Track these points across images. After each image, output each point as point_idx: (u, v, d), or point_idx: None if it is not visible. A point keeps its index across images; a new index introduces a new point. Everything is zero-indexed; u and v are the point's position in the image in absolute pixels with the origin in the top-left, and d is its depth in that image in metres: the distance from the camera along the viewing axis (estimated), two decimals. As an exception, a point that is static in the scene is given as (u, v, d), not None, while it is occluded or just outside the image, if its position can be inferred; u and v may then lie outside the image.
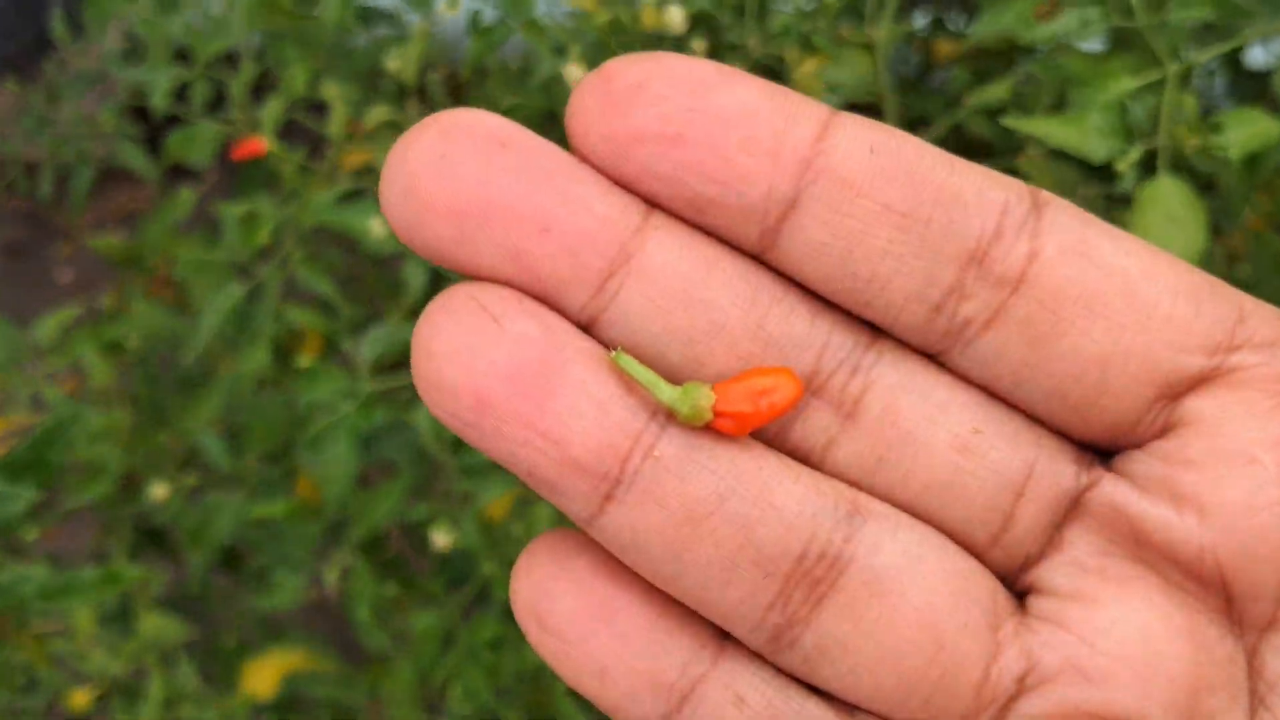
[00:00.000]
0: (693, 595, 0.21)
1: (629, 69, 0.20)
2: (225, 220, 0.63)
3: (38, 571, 0.46)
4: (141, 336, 0.76)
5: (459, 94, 0.78)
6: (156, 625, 0.64)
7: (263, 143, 0.61)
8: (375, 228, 0.55)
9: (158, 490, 0.67)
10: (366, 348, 0.55)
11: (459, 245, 0.20)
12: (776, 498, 0.20)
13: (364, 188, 0.63)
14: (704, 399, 0.20)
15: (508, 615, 0.66)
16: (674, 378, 0.21)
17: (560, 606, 0.21)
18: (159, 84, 0.68)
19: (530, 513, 0.56)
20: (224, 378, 0.71)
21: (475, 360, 0.19)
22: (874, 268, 0.20)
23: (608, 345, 0.20)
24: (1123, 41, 0.59)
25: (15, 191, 1.13)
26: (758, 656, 0.21)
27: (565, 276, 0.20)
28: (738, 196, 0.20)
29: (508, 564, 0.62)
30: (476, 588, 0.62)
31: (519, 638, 0.66)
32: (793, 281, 0.21)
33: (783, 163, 0.20)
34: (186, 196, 0.86)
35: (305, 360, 0.81)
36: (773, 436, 0.21)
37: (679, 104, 0.20)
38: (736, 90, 0.20)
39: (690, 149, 0.20)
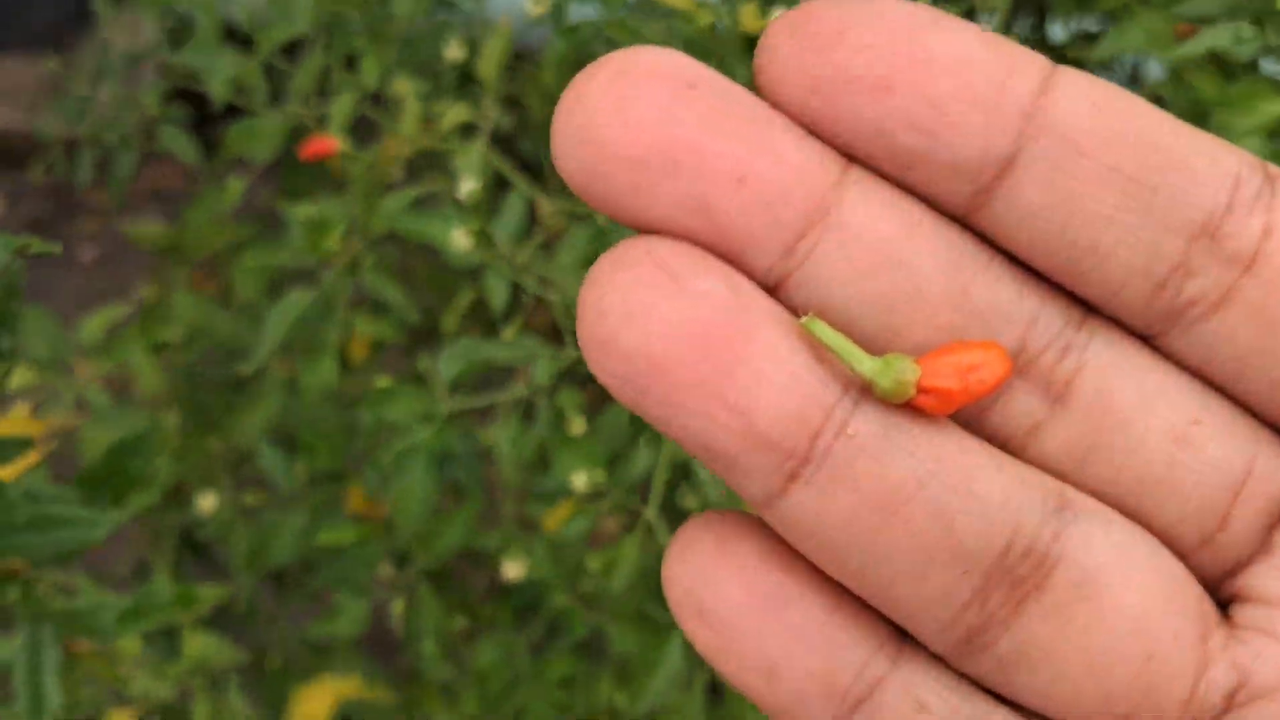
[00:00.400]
0: (877, 590, 0.19)
1: (832, 8, 0.18)
2: (290, 222, 0.59)
3: (115, 599, 0.43)
4: (186, 334, 0.73)
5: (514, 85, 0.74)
6: (204, 646, 0.61)
7: (333, 141, 0.57)
8: (458, 239, 0.51)
9: (205, 501, 0.63)
10: (445, 365, 0.52)
11: (637, 195, 0.18)
12: (979, 486, 0.18)
13: (435, 191, 0.59)
14: (908, 372, 0.18)
15: (579, 650, 0.63)
16: (866, 348, 0.18)
17: (724, 595, 0.19)
18: (218, 71, 0.64)
19: (615, 553, 0.52)
20: (275, 381, 0.68)
21: (651, 321, 0.17)
22: (1096, 236, 0.18)
23: (796, 311, 0.18)
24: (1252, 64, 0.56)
25: (52, 173, 1.09)
26: (938, 660, 0.19)
27: (756, 233, 0.18)
28: (950, 152, 0.18)
29: (581, 597, 0.59)
30: (547, 620, 0.59)
31: (590, 676, 0.62)
32: (998, 249, 0.19)
33: (1002, 116, 0.18)
34: (235, 186, 0.83)
35: (355, 362, 0.77)
36: (969, 419, 0.19)
37: (888, 48, 0.18)
38: (952, 35, 0.18)
39: (899, 97, 0.18)
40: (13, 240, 0.38)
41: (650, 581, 0.56)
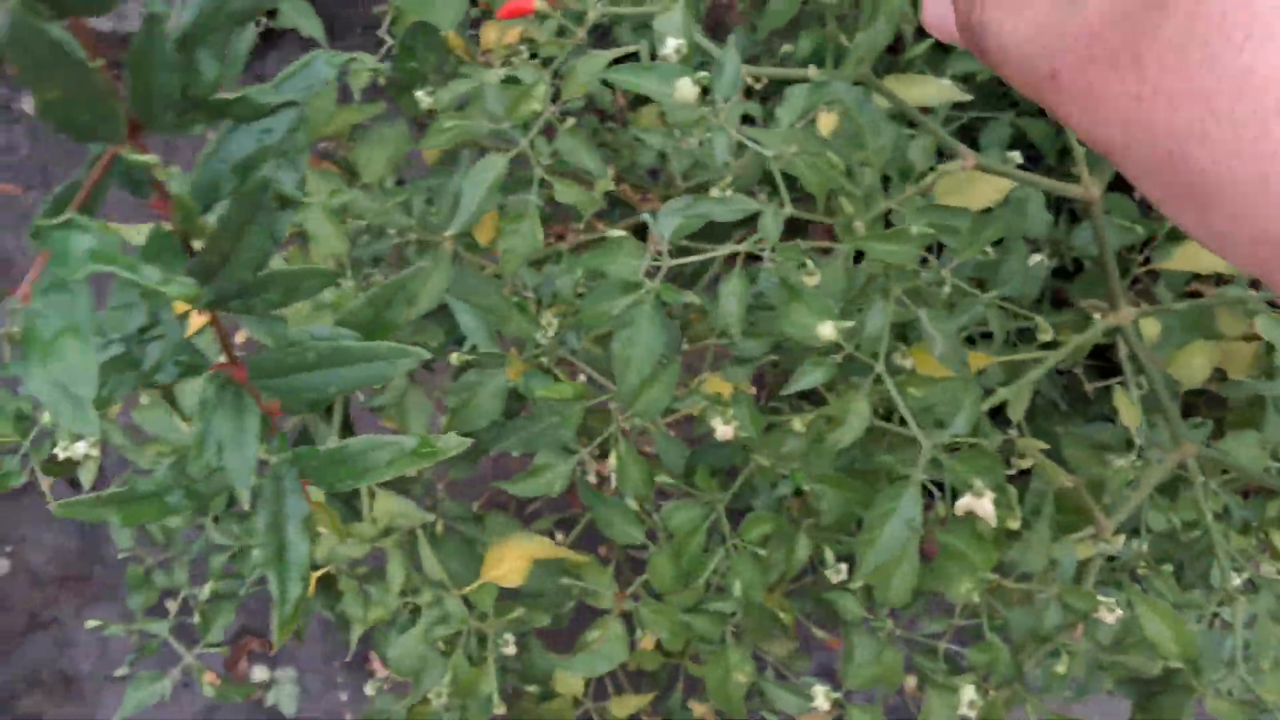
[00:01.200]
0: None
1: None
2: (484, 89, 0.58)
3: (385, 439, 0.43)
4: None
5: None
6: (392, 507, 0.61)
7: (533, 2, 0.55)
8: (684, 89, 0.50)
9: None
10: (663, 220, 0.51)
11: None
12: None
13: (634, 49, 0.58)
14: None
15: (777, 509, 0.63)
16: None
17: None
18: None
19: (845, 405, 0.52)
20: (445, 253, 0.67)
21: None
22: None
23: None
24: None
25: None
26: None
27: None
28: None
29: (781, 458, 0.59)
30: (745, 481, 0.59)
31: (789, 535, 0.63)
32: None
33: None
34: (366, 62, 0.81)
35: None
36: None
37: None
38: None
39: None
40: (337, 56, 0.37)
41: (866, 441, 0.56)
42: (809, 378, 0.52)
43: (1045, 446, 0.75)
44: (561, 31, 0.57)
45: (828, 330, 0.49)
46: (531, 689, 0.68)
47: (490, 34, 0.87)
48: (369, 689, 0.74)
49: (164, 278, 0.32)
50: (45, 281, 0.34)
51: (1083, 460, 0.87)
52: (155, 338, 0.38)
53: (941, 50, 1.00)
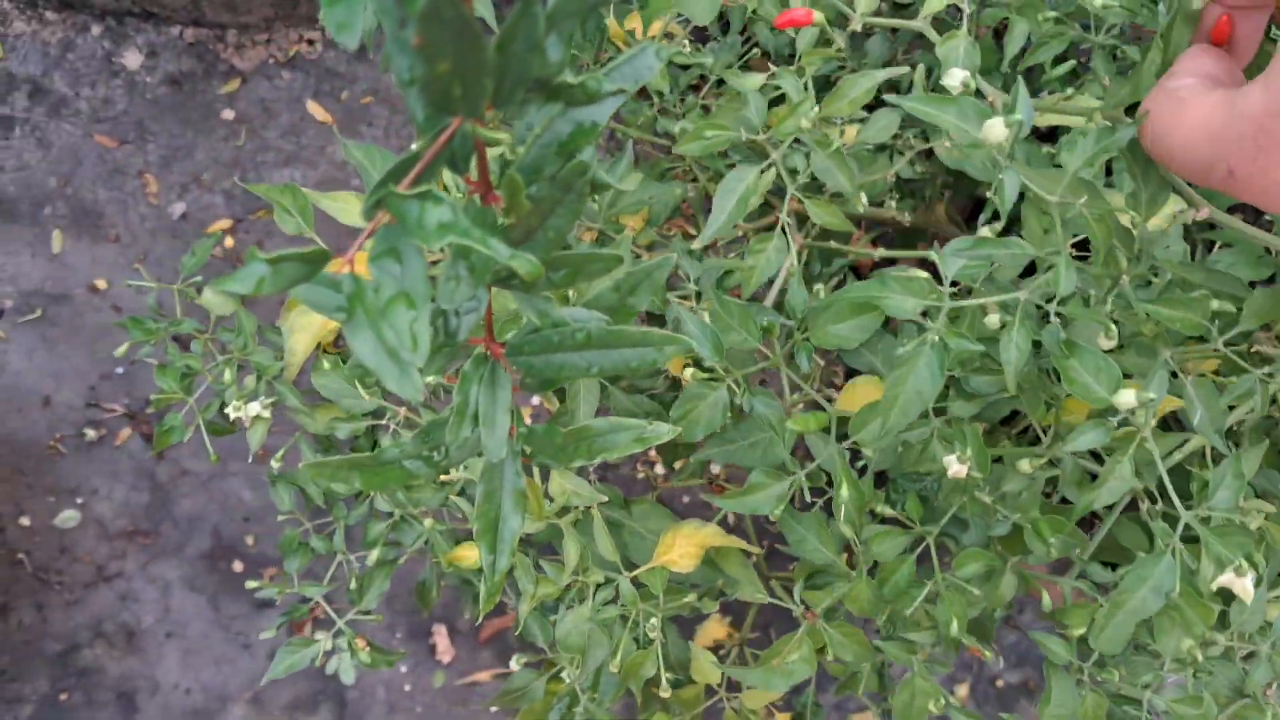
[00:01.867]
0: None
1: None
2: (743, 94, 0.57)
3: (630, 421, 0.44)
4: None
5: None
6: (567, 486, 0.62)
7: (810, 13, 0.55)
8: (993, 130, 0.49)
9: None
10: (948, 259, 0.51)
11: None
12: None
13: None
14: None
15: (985, 545, 0.63)
16: None
17: None
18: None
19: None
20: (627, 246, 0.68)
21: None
22: None
23: None
24: None
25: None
26: None
27: None
28: None
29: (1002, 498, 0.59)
30: (950, 520, 0.60)
31: (997, 573, 0.63)
32: None
33: None
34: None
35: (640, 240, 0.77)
36: None
37: None
38: None
39: None
40: (665, 49, 0.38)
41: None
42: (1088, 438, 0.52)
43: (1273, 510, 0.74)
44: (827, 41, 0.57)
45: (1129, 399, 0.49)
46: (668, 675, 0.69)
47: (633, 23, 0.88)
48: (514, 663, 0.75)
49: (513, 254, 0.33)
50: (380, 248, 0.35)
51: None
52: (471, 311, 0.39)
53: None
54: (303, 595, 0.81)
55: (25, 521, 1.56)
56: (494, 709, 1.62)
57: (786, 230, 0.58)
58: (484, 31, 0.30)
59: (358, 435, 0.70)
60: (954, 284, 0.53)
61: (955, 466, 0.55)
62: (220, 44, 1.69)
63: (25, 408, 1.58)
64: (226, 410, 0.68)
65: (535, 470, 0.66)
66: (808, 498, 0.60)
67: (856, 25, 0.55)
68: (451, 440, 0.44)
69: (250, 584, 0.84)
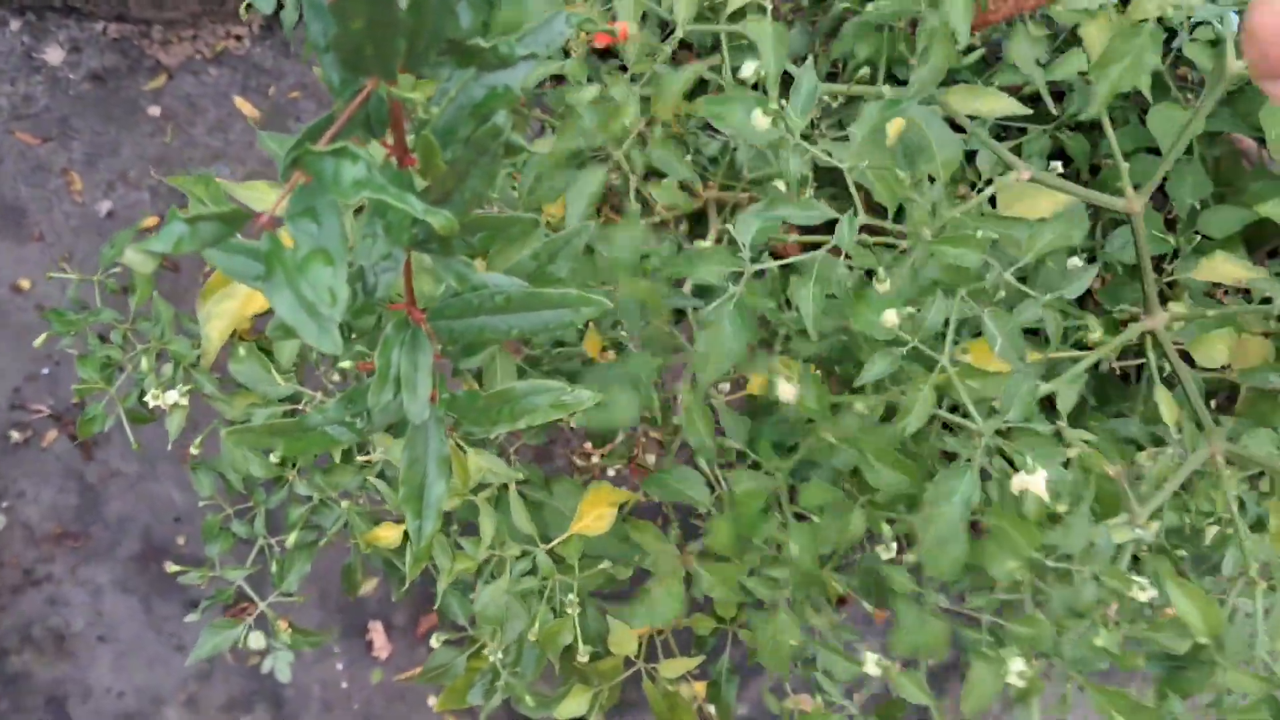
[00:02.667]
0: None
1: None
2: (574, 105, 0.60)
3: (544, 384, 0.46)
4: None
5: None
6: (483, 463, 0.63)
7: (626, 28, 0.58)
8: (758, 120, 0.54)
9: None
10: (742, 227, 0.54)
11: None
12: None
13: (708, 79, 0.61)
14: None
15: (833, 483, 0.67)
16: None
17: None
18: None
19: (913, 393, 0.56)
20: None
21: None
22: None
23: None
24: None
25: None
26: None
27: None
28: None
29: (844, 439, 0.63)
30: (805, 452, 0.62)
31: (844, 506, 0.66)
32: None
33: None
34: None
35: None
36: None
37: None
38: None
39: None
40: (575, 16, 0.39)
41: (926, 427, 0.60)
42: (877, 368, 0.56)
43: (1090, 437, 0.79)
44: (651, 51, 0.61)
45: (891, 318, 0.53)
46: (586, 647, 0.70)
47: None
48: (434, 641, 0.76)
49: (427, 209, 0.34)
50: (297, 208, 0.36)
51: (1110, 453, 0.92)
52: (388, 270, 0.40)
53: (984, 64, 1.04)
54: (224, 578, 0.81)
55: (-53, 526, 1.52)
56: (432, 704, 1.62)
57: (637, 216, 0.62)
58: (393, -7, 0.31)
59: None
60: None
61: (785, 387, 0.59)
62: (145, 39, 1.67)
63: (-54, 410, 1.55)
64: (145, 399, 0.68)
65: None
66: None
67: (680, 33, 0.59)
68: (374, 404, 0.45)
69: (171, 568, 0.84)
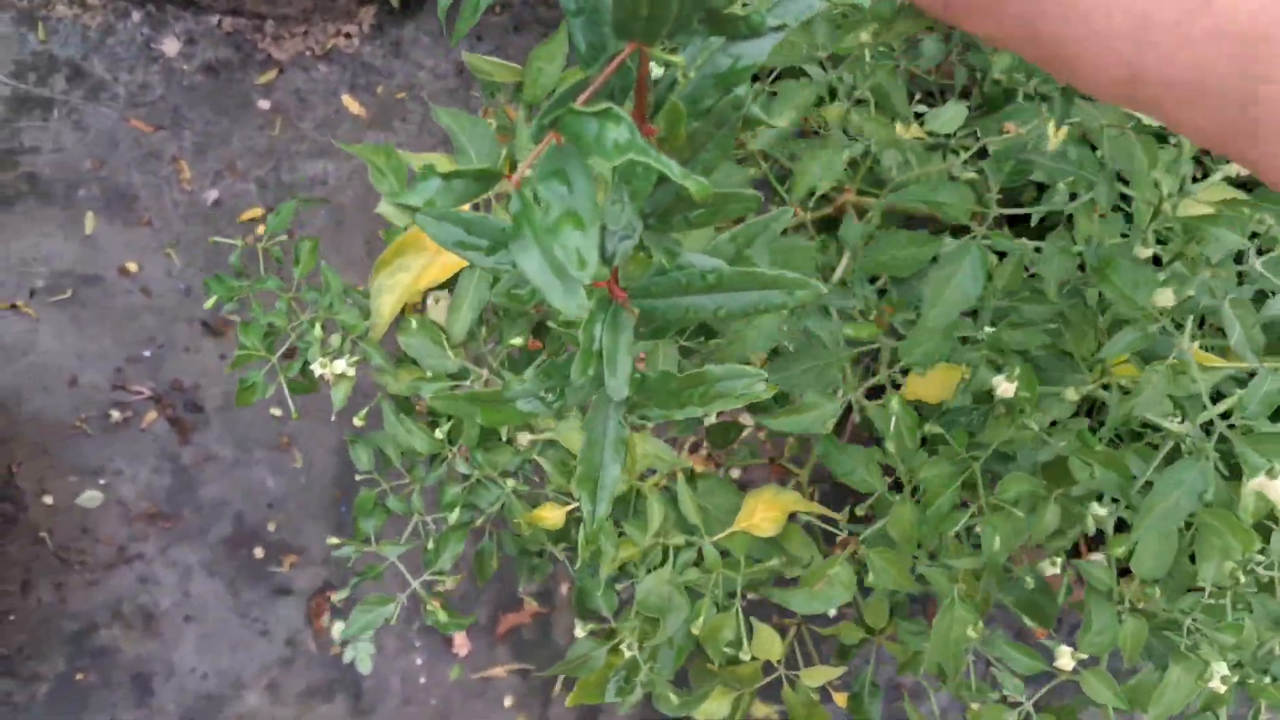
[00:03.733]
0: None
1: None
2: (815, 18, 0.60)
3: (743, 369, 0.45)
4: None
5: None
6: (650, 449, 0.63)
7: None
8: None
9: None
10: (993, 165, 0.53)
11: None
12: None
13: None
14: None
15: (1033, 473, 0.65)
16: None
17: None
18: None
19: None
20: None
21: None
22: None
23: None
24: None
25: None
26: None
27: None
28: None
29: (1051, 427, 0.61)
30: (994, 456, 0.61)
31: (1039, 500, 0.64)
32: None
33: None
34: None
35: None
36: None
37: None
38: None
39: None
40: None
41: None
42: (1127, 340, 0.54)
43: None
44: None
45: (1166, 298, 0.51)
46: (728, 649, 0.69)
47: None
48: (578, 630, 0.75)
49: (684, 173, 0.33)
50: (547, 169, 0.36)
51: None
52: (625, 239, 0.39)
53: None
54: (379, 554, 0.81)
55: (48, 500, 1.55)
56: (509, 704, 1.62)
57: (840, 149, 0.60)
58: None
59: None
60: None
61: (1004, 385, 0.56)
62: (258, 34, 1.71)
63: (52, 387, 1.58)
64: (312, 367, 0.69)
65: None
66: (857, 418, 0.62)
67: None
68: (578, 377, 0.44)
69: (332, 541, 0.84)
